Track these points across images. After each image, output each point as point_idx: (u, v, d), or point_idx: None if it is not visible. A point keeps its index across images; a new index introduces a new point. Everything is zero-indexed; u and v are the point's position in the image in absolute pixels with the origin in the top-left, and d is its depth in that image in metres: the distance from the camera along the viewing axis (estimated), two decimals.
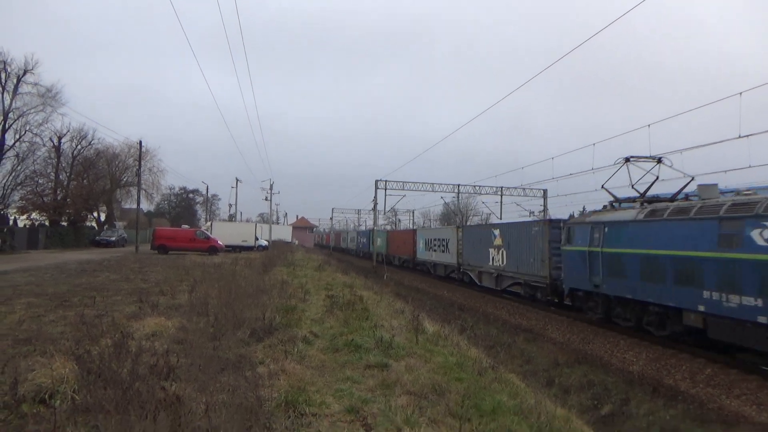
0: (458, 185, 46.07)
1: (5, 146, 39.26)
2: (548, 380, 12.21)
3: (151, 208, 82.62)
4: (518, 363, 13.43)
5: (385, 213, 55.69)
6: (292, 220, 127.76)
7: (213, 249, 43.60)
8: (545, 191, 45.68)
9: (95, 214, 61.36)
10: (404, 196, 47.44)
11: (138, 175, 50.72)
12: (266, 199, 69.43)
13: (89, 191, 53.62)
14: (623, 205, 16.92)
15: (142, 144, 49.77)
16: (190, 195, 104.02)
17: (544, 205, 46.28)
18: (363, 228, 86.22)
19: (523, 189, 45.25)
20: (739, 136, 17.15)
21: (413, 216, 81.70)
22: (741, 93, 16.69)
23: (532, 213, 48.49)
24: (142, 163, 51.55)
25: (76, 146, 53.44)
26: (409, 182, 45.22)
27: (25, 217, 48.90)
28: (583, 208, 23.19)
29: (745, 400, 10.20)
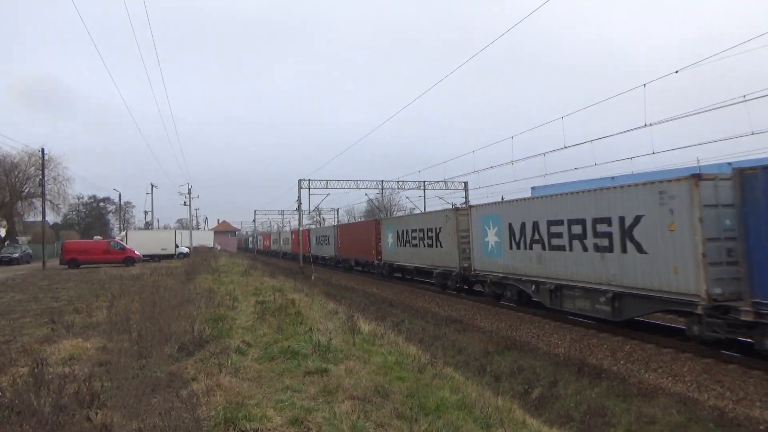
0: (382, 181, 46.51)
1: None
2: (480, 368, 12.50)
3: (58, 220, 77.93)
4: (451, 354, 13.66)
5: (309, 212, 55.15)
6: (213, 224, 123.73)
7: (129, 260, 41.82)
8: (466, 184, 47.04)
9: None
10: (328, 194, 47.19)
11: (42, 185, 47.34)
12: (185, 204, 66.84)
13: None
14: None
15: (45, 152, 46.44)
16: (101, 204, 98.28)
17: (466, 197, 47.53)
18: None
19: (445, 183, 46.34)
20: (645, 125, 18.35)
21: (338, 214, 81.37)
22: (645, 84, 17.86)
23: (454, 205, 49.66)
24: (46, 171, 48.12)
25: None
26: (332, 180, 45.06)
27: None
28: (502, 198, 23.89)
29: (661, 372, 10.92)
